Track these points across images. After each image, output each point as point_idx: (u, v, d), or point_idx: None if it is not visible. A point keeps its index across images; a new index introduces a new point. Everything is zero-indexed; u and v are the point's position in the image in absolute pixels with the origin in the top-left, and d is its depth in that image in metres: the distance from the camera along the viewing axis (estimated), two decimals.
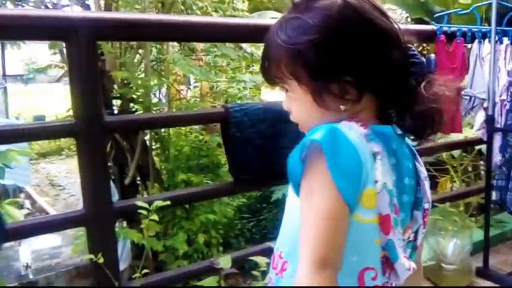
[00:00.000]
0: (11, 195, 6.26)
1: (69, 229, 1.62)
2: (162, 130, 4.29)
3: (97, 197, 1.46)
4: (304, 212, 0.66)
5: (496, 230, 2.80)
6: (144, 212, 1.43)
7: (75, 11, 1.42)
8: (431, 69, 0.74)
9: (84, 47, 1.32)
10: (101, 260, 1.39)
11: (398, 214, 0.71)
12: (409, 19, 5.41)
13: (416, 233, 0.78)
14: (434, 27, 2.25)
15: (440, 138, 3.07)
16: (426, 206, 0.78)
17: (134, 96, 4.34)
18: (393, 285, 0.72)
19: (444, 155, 3.36)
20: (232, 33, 1.76)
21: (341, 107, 0.71)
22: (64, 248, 5.57)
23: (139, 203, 1.44)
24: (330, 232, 0.63)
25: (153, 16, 2.21)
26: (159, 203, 1.44)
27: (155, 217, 1.42)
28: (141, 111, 4.44)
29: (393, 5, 4.90)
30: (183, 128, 4.50)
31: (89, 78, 1.38)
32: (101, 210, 1.47)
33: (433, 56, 0.66)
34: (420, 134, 0.77)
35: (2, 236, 1.31)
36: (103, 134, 1.48)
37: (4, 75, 8.52)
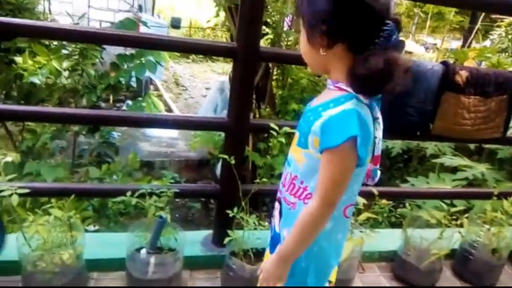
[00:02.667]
0: (143, 85, 7.04)
1: (213, 130, 1.96)
2: None
3: (240, 111, 1.76)
4: (328, 163, 0.96)
5: None
6: (274, 132, 1.69)
7: None
8: (391, 45, 0.93)
9: None
10: (233, 162, 1.71)
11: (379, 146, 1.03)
12: None
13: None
14: None
15: None
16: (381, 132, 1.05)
17: (269, 20, 4.52)
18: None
19: None
20: None
21: (320, 50, 0.97)
22: (179, 140, 6.33)
23: (273, 125, 1.69)
24: (342, 184, 0.98)
25: None
26: (287, 129, 1.69)
27: (283, 139, 1.68)
28: (272, 36, 4.64)
29: None
30: None
31: (257, 9, 1.61)
32: (241, 123, 1.76)
33: (402, 39, 0.84)
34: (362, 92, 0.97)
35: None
36: (256, 61, 1.73)
37: None
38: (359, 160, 0.95)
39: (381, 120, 1.02)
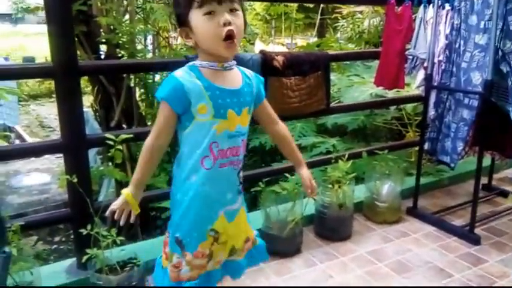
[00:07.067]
0: None
1: (49, 154, 1.92)
2: (147, 76, 4.51)
3: (71, 128, 1.75)
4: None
5: (434, 177, 3.16)
6: (111, 142, 1.72)
7: None
8: None
9: None
10: (75, 180, 1.70)
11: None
12: None
13: None
14: None
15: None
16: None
17: (120, 42, 4.50)
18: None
19: (408, 110, 3.64)
20: None
21: None
22: (53, 184, 5.91)
23: (108, 135, 1.73)
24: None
25: None
26: (123, 136, 1.74)
27: (120, 147, 1.72)
28: (126, 57, 4.62)
29: None
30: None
31: (64, 29, 1.63)
32: (76, 140, 1.76)
33: None
34: None
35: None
36: (77, 76, 1.74)
37: None
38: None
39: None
